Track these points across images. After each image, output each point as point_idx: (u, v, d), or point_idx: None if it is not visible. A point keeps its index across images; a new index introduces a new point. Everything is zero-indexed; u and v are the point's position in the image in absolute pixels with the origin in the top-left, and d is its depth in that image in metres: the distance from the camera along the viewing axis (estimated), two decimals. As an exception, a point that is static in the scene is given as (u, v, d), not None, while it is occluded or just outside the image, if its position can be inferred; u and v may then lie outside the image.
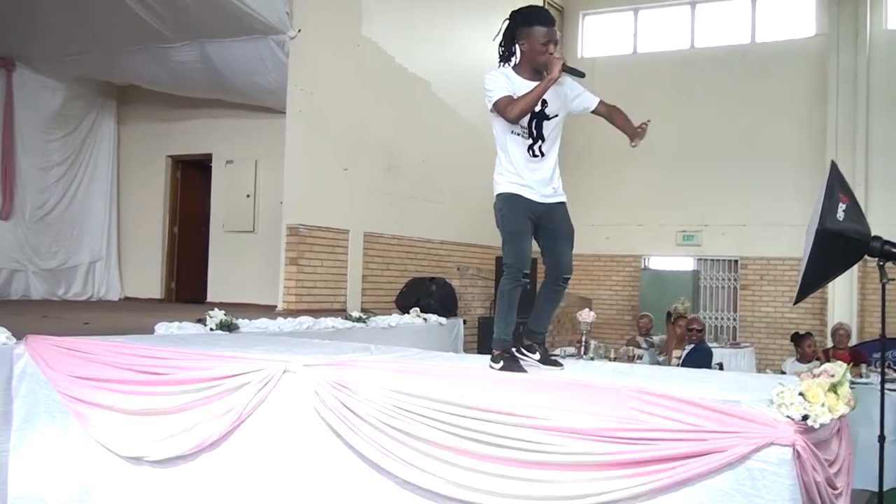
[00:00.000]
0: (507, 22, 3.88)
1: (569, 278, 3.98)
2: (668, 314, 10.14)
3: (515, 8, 3.91)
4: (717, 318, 14.02)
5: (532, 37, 3.77)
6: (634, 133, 3.81)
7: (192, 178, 12.30)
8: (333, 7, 9.43)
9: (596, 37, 15.51)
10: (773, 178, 13.61)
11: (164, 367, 4.07)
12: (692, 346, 8.30)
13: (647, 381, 3.45)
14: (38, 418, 4.51)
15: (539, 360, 3.92)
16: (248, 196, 11.20)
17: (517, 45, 3.85)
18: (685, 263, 14.51)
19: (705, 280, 14.30)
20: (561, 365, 3.97)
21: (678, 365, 7.83)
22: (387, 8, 10.03)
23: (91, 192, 12.07)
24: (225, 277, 11.27)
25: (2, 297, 10.75)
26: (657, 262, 14.84)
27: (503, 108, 3.73)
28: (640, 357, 8.31)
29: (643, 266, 14.78)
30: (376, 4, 9.91)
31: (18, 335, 4.72)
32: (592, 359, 8.00)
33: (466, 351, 9.29)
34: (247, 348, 4.39)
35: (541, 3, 13.68)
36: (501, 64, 3.91)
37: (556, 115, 3.85)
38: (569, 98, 3.90)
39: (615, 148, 14.57)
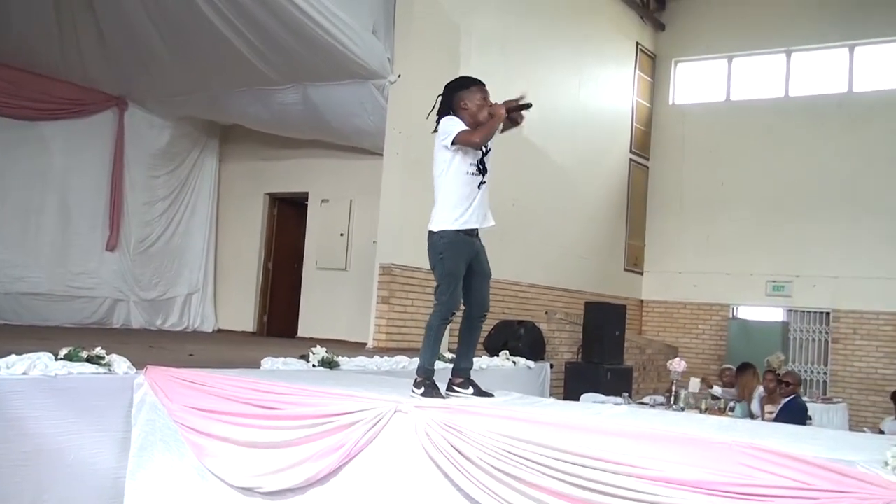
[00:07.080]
0: (441, 97, 4.36)
1: (486, 315, 4.48)
2: (741, 366, 9.83)
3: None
4: (806, 372, 13.67)
5: (471, 96, 4.28)
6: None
7: (287, 216, 12.63)
8: (433, 51, 9.60)
9: (688, 84, 15.50)
10: (868, 229, 13.35)
11: (279, 401, 4.24)
12: (786, 400, 8.17)
13: (753, 436, 3.48)
14: (153, 446, 4.71)
15: (473, 394, 4.39)
16: (341, 234, 11.45)
17: (459, 110, 4.28)
18: (775, 314, 14.27)
19: (795, 332, 14.01)
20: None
21: (772, 420, 7.72)
22: (484, 52, 10.20)
23: (191, 226, 12.51)
24: (316, 313, 11.50)
25: (104, 325, 11.20)
26: (746, 312, 14.63)
27: (466, 137, 4.16)
28: (731, 409, 8.20)
29: (731, 315, 14.59)
30: (474, 48, 10.09)
31: (136, 365, 4.95)
32: (683, 409, 7.93)
33: (553, 395, 9.30)
34: (354, 387, 4.54)
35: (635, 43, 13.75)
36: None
37: (491, 149, 4.35)
38: None
39: (705, 195, 14.68)
